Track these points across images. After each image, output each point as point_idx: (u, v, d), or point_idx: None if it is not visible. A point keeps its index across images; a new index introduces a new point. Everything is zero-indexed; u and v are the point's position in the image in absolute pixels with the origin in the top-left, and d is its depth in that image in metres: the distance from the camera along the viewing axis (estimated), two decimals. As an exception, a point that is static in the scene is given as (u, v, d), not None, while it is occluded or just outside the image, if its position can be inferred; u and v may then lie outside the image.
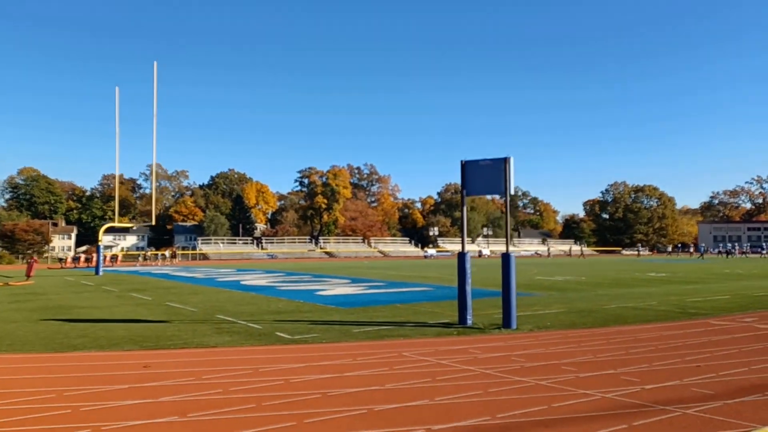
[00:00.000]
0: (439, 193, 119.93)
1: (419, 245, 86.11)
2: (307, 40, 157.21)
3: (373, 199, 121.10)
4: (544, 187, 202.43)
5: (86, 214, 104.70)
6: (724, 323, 10.56)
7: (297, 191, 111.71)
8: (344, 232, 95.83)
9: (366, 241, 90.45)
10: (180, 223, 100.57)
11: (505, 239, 11.27)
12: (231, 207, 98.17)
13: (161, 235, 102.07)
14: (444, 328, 10.11)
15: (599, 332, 9.62)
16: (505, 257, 10.50)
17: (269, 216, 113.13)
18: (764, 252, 73.28)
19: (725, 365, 6.78)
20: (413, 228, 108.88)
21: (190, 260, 61.48)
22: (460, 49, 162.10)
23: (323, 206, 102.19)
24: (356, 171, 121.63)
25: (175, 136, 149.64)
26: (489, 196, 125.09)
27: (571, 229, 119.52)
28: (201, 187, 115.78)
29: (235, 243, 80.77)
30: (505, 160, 10.68)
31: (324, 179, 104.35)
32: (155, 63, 31.31)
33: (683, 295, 16.07)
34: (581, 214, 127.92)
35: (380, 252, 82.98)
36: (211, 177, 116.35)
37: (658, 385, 5.83)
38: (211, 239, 79.51)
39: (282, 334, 9.30)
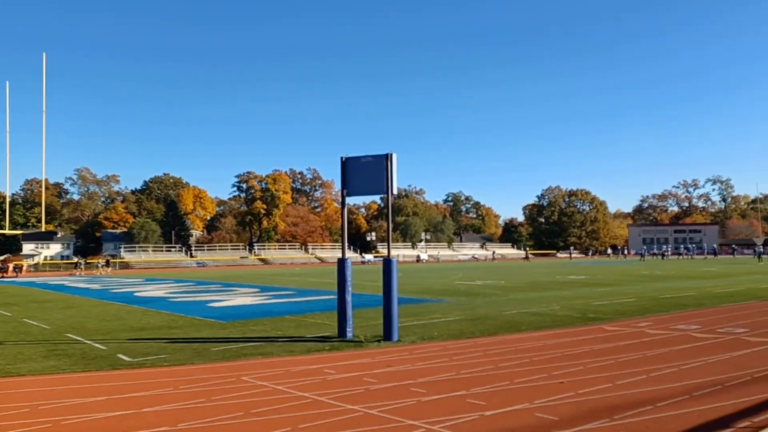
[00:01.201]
0: (382, 198, 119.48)
1: (359, 251, 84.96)
2: (245, 49, 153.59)
3: (316, 205, 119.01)
4: (486, 191, 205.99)
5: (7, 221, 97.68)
6: (617, 329, 10.10)
7: (237, 197, 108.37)
8: (284, 238, 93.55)
9: (304, 247, 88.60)
10: (109, 230, 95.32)
11: (388, 241, 10.41)
12: (164, 213, 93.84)
13: (89, 242, 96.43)
14: (318, 343, 9.15)
15: (482, 342, 8.90)
16: (386, 263, 9.63)
17: (208, 222, 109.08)
18: (690, 253, 76.56)
19: (590, 380, 6.11)
20: (357, 233, 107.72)
21: (118, 269, 57.96)
22: (400, 52, 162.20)
23: (262, 212, 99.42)
24: (299, 176, 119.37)
25: (106, 138, 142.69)
26: (432, 201, 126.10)
27: (510, 233, 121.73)
28: (133, 192, 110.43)
29: (162, 251, 76.97)
30: (387, 157, 9.85)
31: (263, 184, 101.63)
32: (44, 54, 28.99)
33: (591, 298, 15.77)
34: (521, 218, 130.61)
35: (318, 258, 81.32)
36: (145, 182, 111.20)
37: (502, 409, 5.04)
38: (135, 247, 75.28)
39: (123, 357, 8.06)
